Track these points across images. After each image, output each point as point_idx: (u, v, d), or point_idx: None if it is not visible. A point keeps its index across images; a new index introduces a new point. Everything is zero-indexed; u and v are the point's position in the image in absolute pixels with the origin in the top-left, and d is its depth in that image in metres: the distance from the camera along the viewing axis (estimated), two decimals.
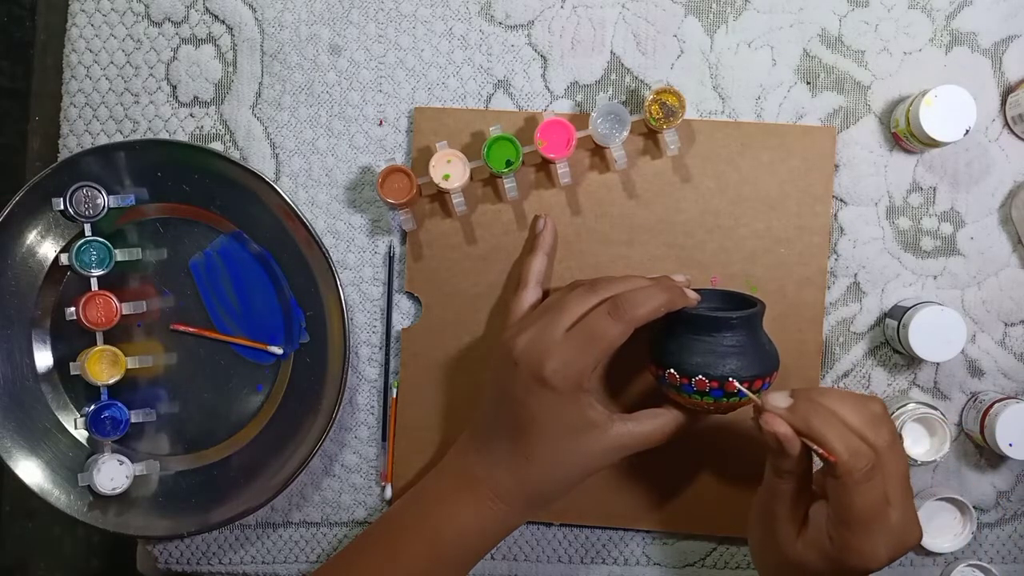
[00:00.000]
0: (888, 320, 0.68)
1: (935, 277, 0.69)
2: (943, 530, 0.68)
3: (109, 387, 0.68)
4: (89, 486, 0.67)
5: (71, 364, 0.67)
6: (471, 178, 0.67)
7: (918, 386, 0.69)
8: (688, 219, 0.68)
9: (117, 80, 0.72)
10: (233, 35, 0.71)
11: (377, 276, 0.71)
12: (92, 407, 0.67)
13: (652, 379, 0.64)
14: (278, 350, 0.70)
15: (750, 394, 0.57)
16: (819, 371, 0.68)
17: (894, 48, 0.69)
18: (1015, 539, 0.70)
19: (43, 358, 0.69)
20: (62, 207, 0.66)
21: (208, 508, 0.69)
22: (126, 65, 0.72)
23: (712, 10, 0.69)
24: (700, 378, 0.58)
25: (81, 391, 0.70)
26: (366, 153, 0.71)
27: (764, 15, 0.69)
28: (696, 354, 0.58)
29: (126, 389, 0.69)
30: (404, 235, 0.70)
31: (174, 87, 0.71)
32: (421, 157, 0.69)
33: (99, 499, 0.68)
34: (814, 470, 0.55)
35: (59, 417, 0.69)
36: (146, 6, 0.71)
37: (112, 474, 0.67)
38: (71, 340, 0.69)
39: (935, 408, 0.66)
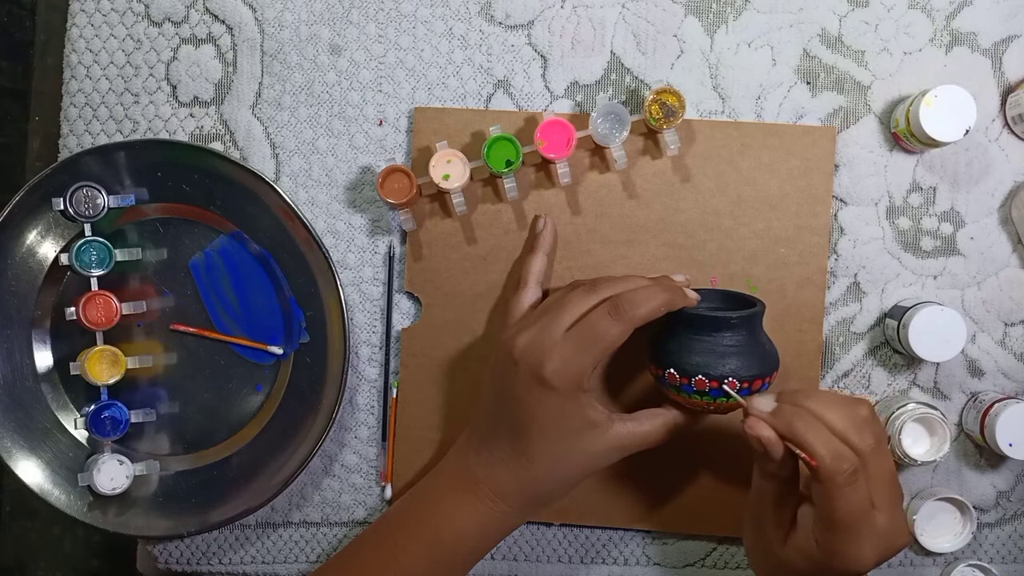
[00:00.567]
0: (888, 320, 0.68)
1: (935, 277, 0.69)
2: (943, 530, 0.68)
3: (109, 387, 0.68)
4: (89, 486, 0.67)
5: (71, 364, 0.67)
6: (471, 178, 0.67)
7: (918, 386, 0.69)
8: (688, 219, 0.69)
9: (117, 80, 0.72)
10: (233, 35, 0.71)
11: (377, 276, 0.71)
12: (92, 407, 0.67)
13: (652, 379, 0.64)
14: (278, 350, 0.70)
15: (737, 397, 0.57)
16: (819, 371, 0.68)
17: (894, 48, 0.69)
18: (1015, 539, 0.70)
19: (43, 358, 0.69)
20: (62, 207, 0.66)
21: (208, 508, 0.69)
22: (126, 65, 0.72)
23: (712, 10, 0.69)
24: (700, 378, 0.58)
25: (81, 391, 0.70)
26: (366, 153, 0.71)
27: (764, 15, 0.69)
28: (696, 354, 0.58)
29: (126, 389, 0.69)
30: (404, 235, 0.70)
31: (174, 87, 0.71)
32: (421, 157, 0.69)
33: (99, 499, 0.68)
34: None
35: (59, 417, 0.69)
36: (146, 6, 0.71)
37: (112, 474, 0.67)
38: (71, 340, 0.69)
39: (935, 408, 0.66)
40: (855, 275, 0.69)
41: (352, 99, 0.71)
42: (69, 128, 0.72)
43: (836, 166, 0.69)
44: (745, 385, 0.58)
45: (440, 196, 0.69)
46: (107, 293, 0.67)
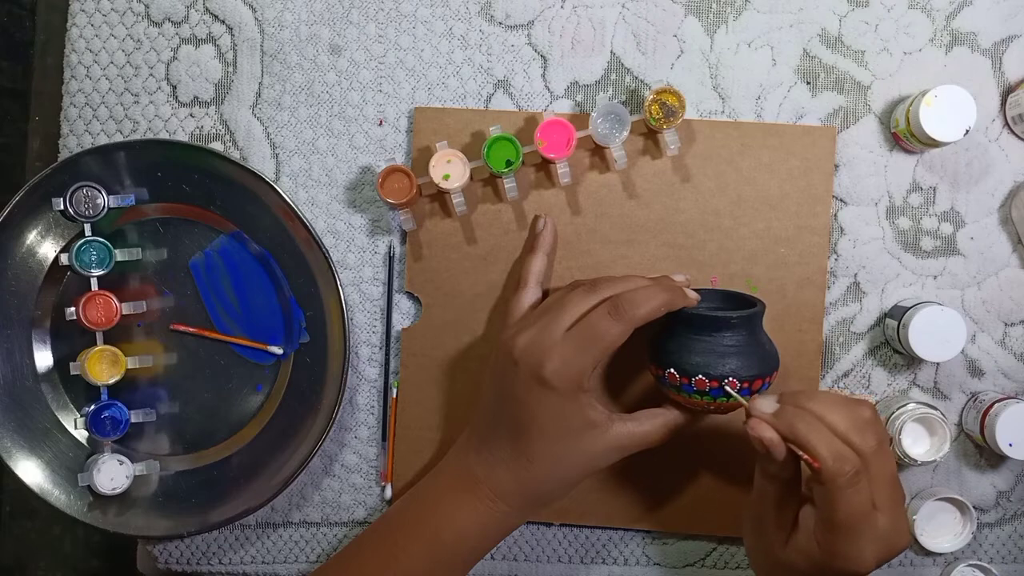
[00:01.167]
0: (888, 320, 0.68)
1: (935, 277, 0.69)
2: (943, 530, 0.68)
3: (109, 387, 0.68)
4: (89, 486, 0.67)
5: (71, 364, 0.67)
6: (471, 178, 0.67)
7: (918, 386, 0.69)
8: (688, 219, 0.69)
9: (117, 80, 0.72)
10: (233, 35, 0.71)
11: (377, 276, 0.71)
12: (92, 407, 0.67)
13: (652, 379, 0.64)
14: (278, 350, 0.70)
15: (739, 398, 0.57)
16: (819, 371, 0.68)
17: (894, 48, 0.69)
18: (1015, 539, 0.70)
19: (43, 358, 0.69)
20: (62, 207, 0.66)
21: (208, 508, 0.69)
22: (126, 65, 0.72)
23: (712, 10, 0.69)
24: (700, 378, 0.58)
25: (81, 391, 0.70)
26: (366, 153, 0.71)
27: (764, 15, 0.69)
28: (696, 354, 0.58)
29: (126, 389, 0.69)
30: (404, 235, 0.70)
31: (174, 87, 0.71)
32: (421, 157, 0.69)
33: (99, 499, 0.68)
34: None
35: (59, 417, 0.69)
36: (146, 6, 0.71)
37: (112, 474, 0.67)
38: (71, 340, 0.69)
39: (935, 408, 0.66)
40: (855, 275, 0.69)
41: (352, 99, 0.71)
42: (69, 128, 0.72)
43: (836, 166, 0.69)
44: (745, 385, 0.58)
45: (440, 196, 0.69)
46: (107, 293, 0.67)
